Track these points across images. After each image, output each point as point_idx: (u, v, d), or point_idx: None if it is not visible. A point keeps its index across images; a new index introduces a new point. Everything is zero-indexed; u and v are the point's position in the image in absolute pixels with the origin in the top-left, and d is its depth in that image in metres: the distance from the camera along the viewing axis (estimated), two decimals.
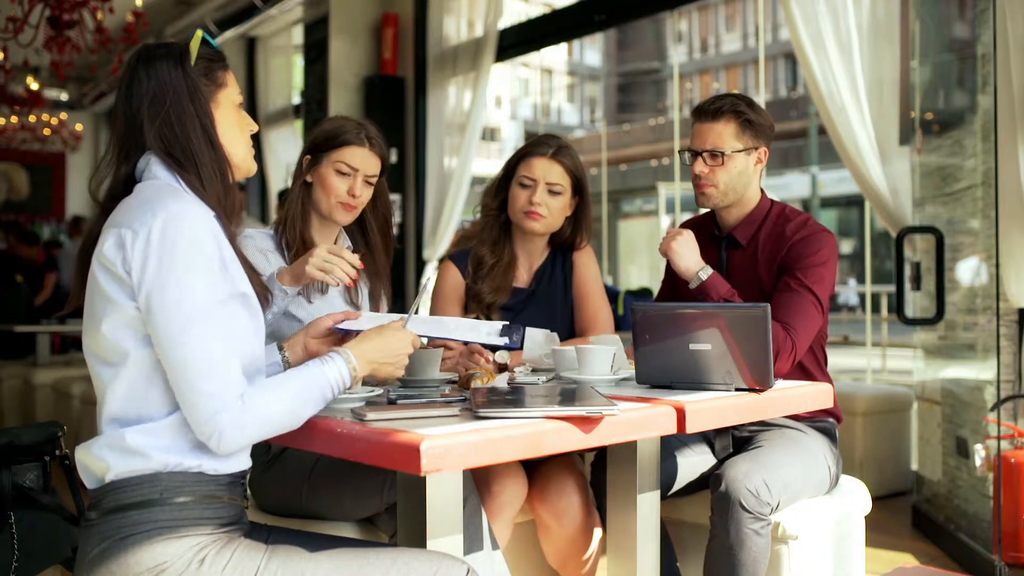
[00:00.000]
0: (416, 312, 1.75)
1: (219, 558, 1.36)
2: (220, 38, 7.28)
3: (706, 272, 2.21)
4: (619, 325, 4.10)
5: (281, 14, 7.19)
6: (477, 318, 2.39)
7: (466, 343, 2.07)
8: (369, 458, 1.39)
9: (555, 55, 31.47)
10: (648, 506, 1.93)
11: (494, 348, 2.06)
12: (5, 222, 9.37)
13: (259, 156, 1.53)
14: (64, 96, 10.55)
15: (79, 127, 10.14)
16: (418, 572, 1.41)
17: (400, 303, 5.44)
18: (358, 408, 1.52)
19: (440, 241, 5.84)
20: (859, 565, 2.32)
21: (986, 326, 3.39)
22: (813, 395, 1.93)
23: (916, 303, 4.00)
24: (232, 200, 1.52)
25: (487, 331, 1.85)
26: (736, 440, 2.28)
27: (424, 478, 1.51)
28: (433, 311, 2.52)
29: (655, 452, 1.94)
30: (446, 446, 1.30)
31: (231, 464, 1.43)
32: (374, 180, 2.18)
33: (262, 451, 2.03)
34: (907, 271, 3.89)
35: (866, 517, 2.34)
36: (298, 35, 7.37)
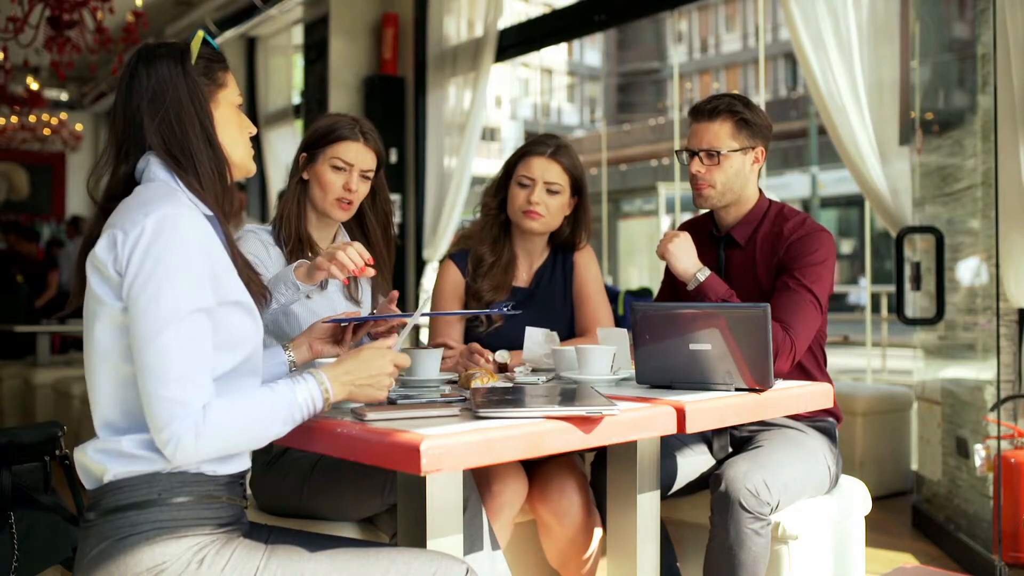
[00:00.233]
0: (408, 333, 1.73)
1: (218, 558, 1.36)
2: (220, 38, 7.28)
3: (704, 274, 2.22)
4: (619, 325, 4.09)
5: (281, 14, 7.18)
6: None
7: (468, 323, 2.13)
8: (369, 458, 1.39)
9: (555, 55, 31.45)
10: (648, 506, 1.93)
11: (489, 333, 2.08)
12: (5, 222, 9.37)
13: (259, 156, 1.53)
14: (64, 96, 10.54)
15: (79, 127, 10.13)
16: (418, 572, 1.40)
17: (400, 303, 5.43)
18: (358, 408, 1.52)
19: (440, 241, 5.84)
20: (859, 565, 2.32)
21: (986, 326, 3.39)
22: (813, 395, 1.94)
23: (916, 303, 4.00)
24: (230, 200, 1.51)
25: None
26: (736, 440, 2.28)
27: (424, 478, 1.51)
28: (434, 310, 2.52)
29: (655, 452, 1.94)
30: (446, 446, 1.30)
31: (231, 465, 1.43)
32: (370, 175, 2.18)
33: (263, 451, 2.03)
34: (907, 271, 3.89)
35: (866, 517, 2.35)
36: (298, 35, 7.37)
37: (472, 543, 1.84)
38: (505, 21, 5.69)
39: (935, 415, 3.80)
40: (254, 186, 7.66)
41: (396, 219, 5.90)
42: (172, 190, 1.43)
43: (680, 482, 2.21)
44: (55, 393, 5.41)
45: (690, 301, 2.25)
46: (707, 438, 2.29)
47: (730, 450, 2.28)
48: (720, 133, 2.26)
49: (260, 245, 2.12)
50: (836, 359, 2.74)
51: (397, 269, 5.83)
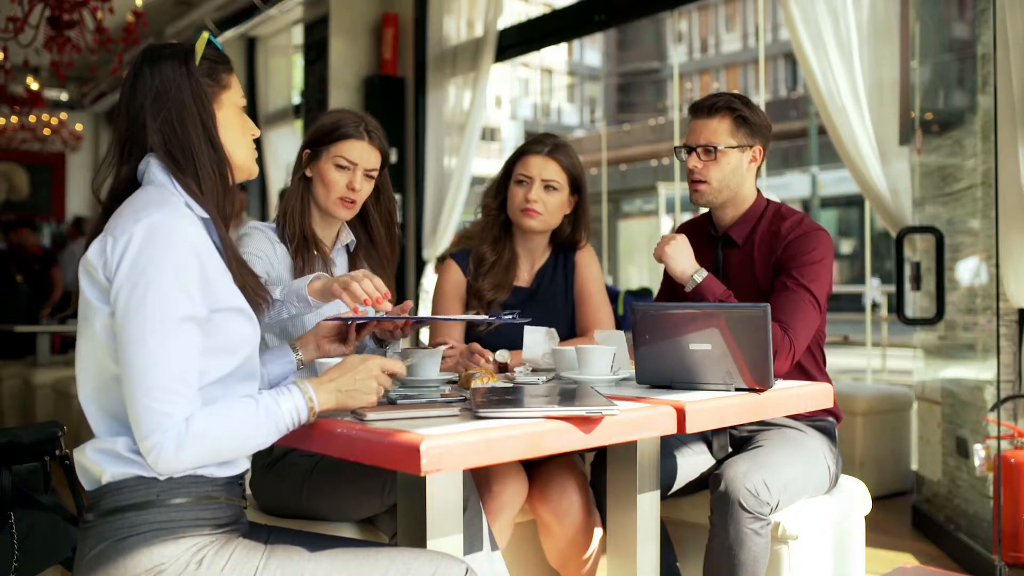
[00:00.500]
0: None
1: (217, 559, 1.36)
2: (220, 38, 7.27)
3: (701, 275, 2.22)
4: (619, 325, 4.09)
5: (281, 14, 7.18)
6: (477, 314, 2.39)
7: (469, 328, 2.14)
8: (369, 458, 1.39)
9: (555, 55, 31.45)
10: (648, 506, 1.93)
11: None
12: (5, 222, 9.37)
13: (259, 156, 1.52)
14: (64, 96, 10.53)
15: (79, 127, 10.12)
16: (417, 572, 1.40)
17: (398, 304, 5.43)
18: (358, 408, 1.52)
19: (440, 241, 5.83)
20: (859, 565, 2.32)
21: (986, 326, 3.40)
22: (813, 395, 1.93)
23: (916, 303, 4.00)
24: (231, 202, 1.51)
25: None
26: (736, 440, 2.28)
27: (424, 478, 1.51)
28: (435, 309, 2.52)
29: (655, 452, 1.94)
30: (446, 446, 1.30)
31: (229, 468, 1.43)
32: (374, 174, 2.17)
33: (264, 453, 2.03)
34: (907, 271, 3.89)
35: (866, 517, 2.34)
36: (298, 35, 7.37)
37: (472, 543, 1.84)
38: (505, 21, 5.69)
39: (935, 415, 3.80)
40: (254, 186, 7.66)
41: (397, 218, 5.89)
42: (167, 195, 1.42)
43: (680, 482, 2.21)
44: (55, 393, 5.41)
45: (689, 302, 2.25)
46: (707, 438, 2.29)
47: (730, 450, 2.28)
48: (718, 129, 2.26)
49: (267, 242, 2.12)
50: (836, 359, 2.75)
51: (397, 269, 5.83)
